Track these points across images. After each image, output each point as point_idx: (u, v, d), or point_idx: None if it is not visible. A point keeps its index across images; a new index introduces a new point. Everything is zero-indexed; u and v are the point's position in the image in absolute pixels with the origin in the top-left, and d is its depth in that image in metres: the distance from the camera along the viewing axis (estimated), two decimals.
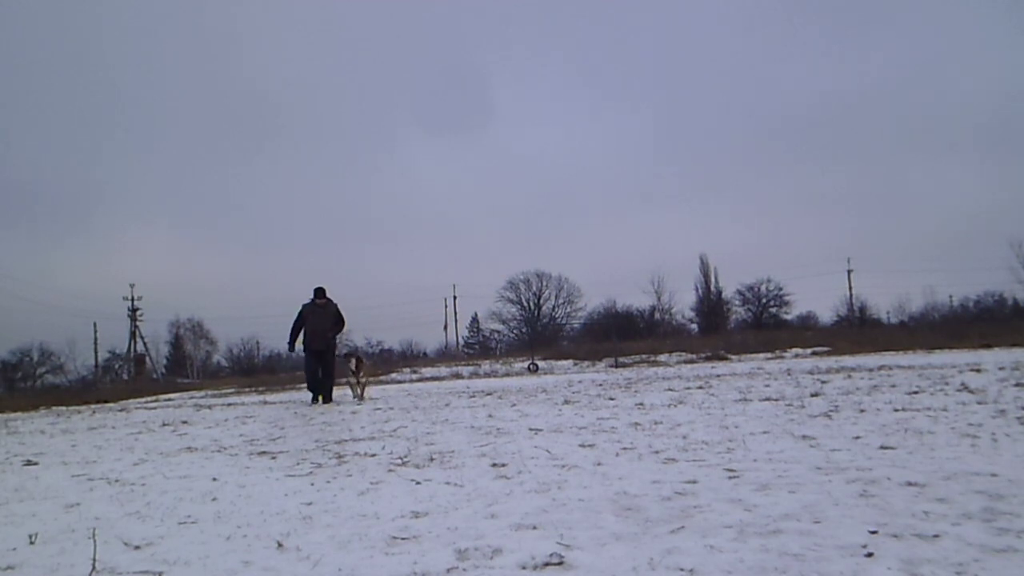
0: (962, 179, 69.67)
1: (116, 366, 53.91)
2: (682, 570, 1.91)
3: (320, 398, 10.50)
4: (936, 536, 2.10)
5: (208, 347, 62.35)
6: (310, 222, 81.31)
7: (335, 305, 10.84)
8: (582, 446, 4.33)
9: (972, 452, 3.54)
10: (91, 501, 3.37)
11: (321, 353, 10.53)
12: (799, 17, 77.12)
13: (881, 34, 75.61)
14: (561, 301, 54.34)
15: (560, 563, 2.02)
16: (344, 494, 3.19)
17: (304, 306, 10.71)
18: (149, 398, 21.46)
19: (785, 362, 19.00)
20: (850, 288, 50.73)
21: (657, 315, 51.39)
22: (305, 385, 11.42)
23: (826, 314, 52.26)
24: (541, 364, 25.52)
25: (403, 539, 2.36)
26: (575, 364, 26.62)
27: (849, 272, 50.61)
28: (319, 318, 10.59)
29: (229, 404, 12.91)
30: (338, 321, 10.88)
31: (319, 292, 10.73)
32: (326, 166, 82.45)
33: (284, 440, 5.65)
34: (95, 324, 50.49)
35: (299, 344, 10.75)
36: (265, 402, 12.96)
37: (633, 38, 79.07)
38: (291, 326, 10.69)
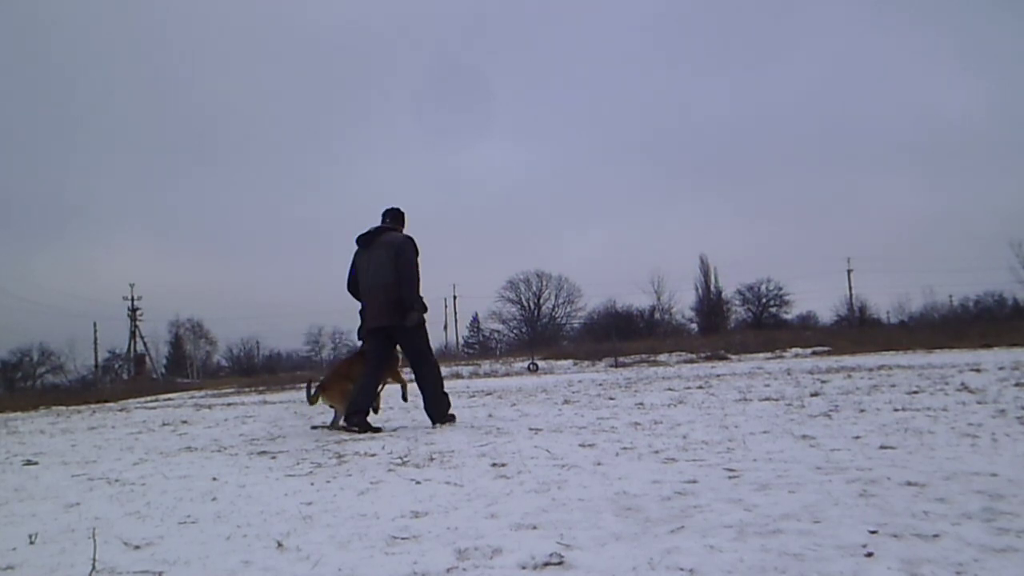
0: (962, 179, 69.66)
1: (116, 366, 53.94)
2: (682, 570, 1.91)
3: (364, 420, 5.67)
4: (936, 536, 2.10)
5: (208, 347, 62.49)
6: (309, 222, 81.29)
7: (402, 238, 5.89)
8: (582, 446, 4.32)
9: (972, 452, 3.54)
10: (91, 501, 3.37)
11: (390, 335, 5.88)
12: (797, 12, 77.09)
13: (879, 34, 75.59)
14: (561, 301, 54.43)
15: (560, 563, 2.02)
16: (344, 494, 3.19)
17: (357, 251, 6.08)
18: (149, 398, 21.45)
19: (785, 362, 19.00)
20: (850, 288, 50.80)
21: (657, 315, 51.42)
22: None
23: (826, 314, 52.31)
24: (541, 364, 25.51)
25: (403, 539, 2.35)
26: (575, 364, 26.60)
27: (849, 272, 50.68)
28: (371, 263, 5.86)
29: (229, 404, 12.91)
30: (400, 263, 5.73)
31: (385, 214, 6.16)
32: (326, 165, 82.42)
33: (284, 440, 5.64)
34: (95, 324, 50.57)
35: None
36: (265, 402, 12.95)
37: (631, 33, 79.03)
38: (348, 281, 6.09)
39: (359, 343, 6.21)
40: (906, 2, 78.35)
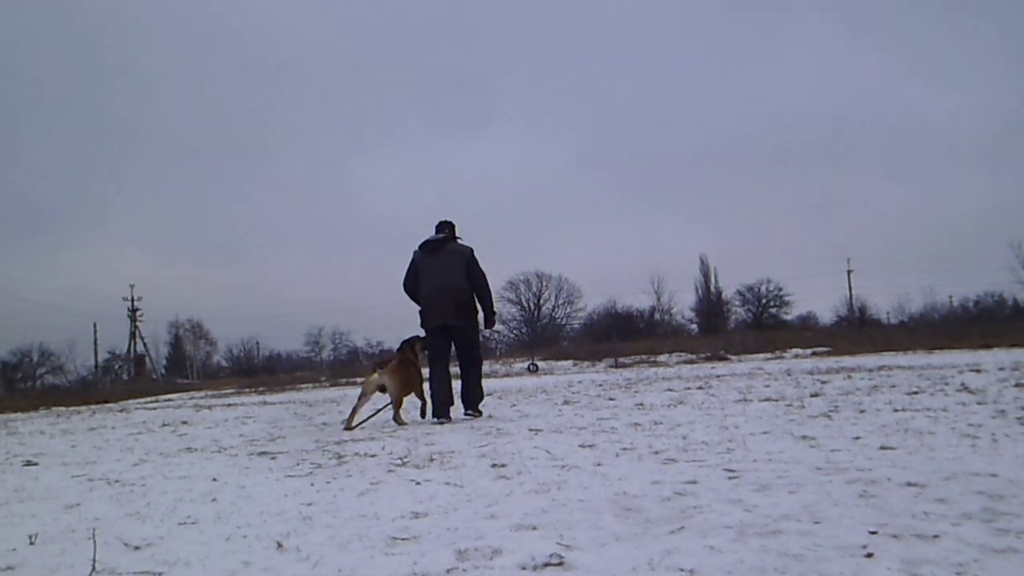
0: (962, 180, 69.74)
1: (116, 367, 53.90)
2: (682, 570, 1.91)
3: (449, 411, 6.36)
4: (936, 536, 2.10)
5: (208, 347, 62.44)
6: (310, 222, 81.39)
7: (468, 249, 6.64)
8: (582, 446, 4.32)
9: (972, 452, 3.53)
10: (91, 502, 3.37)
11: (451, 333, 6.53)
12: (795, 8, 77.20)
13: (883, 34, 75.67)
14: (561, 301, 54.32)
15: (560, 563, 2.02)
16: (344, 494, 3.19)
17: (415, 252, 6.70)
18: (149, 399, 21.46)
19: (785, 362, 19.00)
20: (850, 288, 50.75)
21: (657, 315, 51.43)
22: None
23: (826, 314, 52.28)
24: (541, 364, 25.52)
25: (403, 539, 2.35)
26: (575, 364, 26.61)
27: (849, 272, 50.63)
28: (438, 267, 6.52)
29: (229, 404, 12.92)
30: (474, 273, 6.56)
31: (440, 225, 6.81)
32: (327, 166, 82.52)
33: (284, 440, 5.65)
34: (95, 324, 50.47)
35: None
36: (265, 402, 12.96)
37: (631, 34, 79.12)
38: (404, 281, 6.71)
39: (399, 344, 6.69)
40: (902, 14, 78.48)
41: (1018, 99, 70.11)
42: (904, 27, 76.13)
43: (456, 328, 6.49)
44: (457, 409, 6.56)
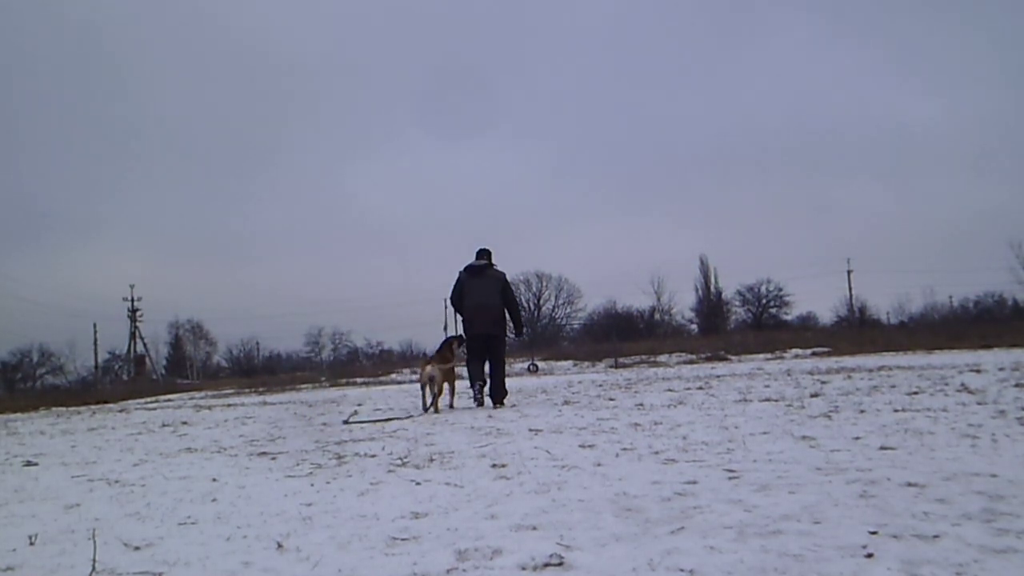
0: (961, 181, 69.78)
1: (116, 367, 53.87)
2: (682, 571, 1.91)
3: (483, 399, 7.99)
4: (936, 536, 2.10)
5: (208, 348, 62.38)
6: (310, 223, 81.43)
7: (502, 273, 8.33)
8: (582, 447, 4.32)
9: (972, 453, 3.54)
10: (91, 502, 3.37)
11: (487, 339, 8.09)
12: (794, 11, 77.28)
13: (879, 38, 75.78)
14: (561, 302, 54.29)
15: (560, 564, 2.02)
16: (344, 495, 3.19)
17: (461, 273, 8.31)
18: (149, 399, 21.45)
19: (785, 363, 18.99)
20: (850, 288, 50.67)
21: (657, 315, 51.44)
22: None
23: (826, 315, 52.20)
24: (541, 365, 25.49)
25: (403, 540, 2.36)
26: (575, 365, 26.60)
27: (849, 272, 50.56)
28: (480, 288, 8.12)
29: (229, 405, 12.92)
30: (507, 295, 8.27)
31: (480, 252, 8.42)
32: (326, 166, 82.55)
33: (284, 441, 5.65)
34: (95, 325, 50.36)
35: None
36: (265, 403, 12.96)
37: (631, 35, 79.20)
38: (451, 296, 8.37)
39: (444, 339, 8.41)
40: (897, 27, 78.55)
41: (1014, 101, 70.02)
42: (901, 31, 76.17)
43: (491, 336, 8.09)
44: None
